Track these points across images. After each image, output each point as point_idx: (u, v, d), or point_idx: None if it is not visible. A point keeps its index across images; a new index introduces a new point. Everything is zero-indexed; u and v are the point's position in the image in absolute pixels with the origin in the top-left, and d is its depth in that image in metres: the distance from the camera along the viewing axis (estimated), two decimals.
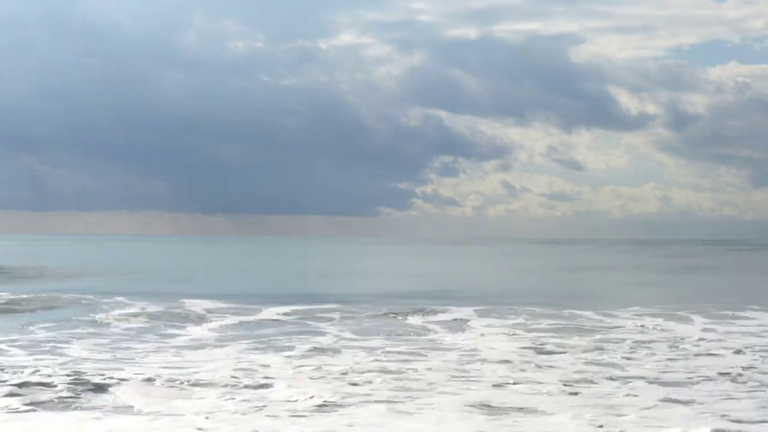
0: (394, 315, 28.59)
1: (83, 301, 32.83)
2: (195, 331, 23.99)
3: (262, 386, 15.41)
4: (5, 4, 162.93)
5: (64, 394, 14.48)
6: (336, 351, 20.04)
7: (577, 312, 29.37)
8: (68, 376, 15.84)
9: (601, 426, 12.65)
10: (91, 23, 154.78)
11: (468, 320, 27.17)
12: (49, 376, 15.84)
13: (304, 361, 18.35)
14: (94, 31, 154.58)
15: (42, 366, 17.12)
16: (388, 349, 20.34)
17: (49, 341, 21.26)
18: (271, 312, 28.99)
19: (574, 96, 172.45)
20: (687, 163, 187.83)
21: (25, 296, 34.07)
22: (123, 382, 15.48)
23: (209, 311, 29.01)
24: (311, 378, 16.32)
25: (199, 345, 21.08)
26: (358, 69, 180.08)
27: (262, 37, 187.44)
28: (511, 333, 23.88)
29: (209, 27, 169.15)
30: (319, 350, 20.11)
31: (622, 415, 13.30)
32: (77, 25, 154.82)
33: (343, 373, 16.73)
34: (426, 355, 19.45)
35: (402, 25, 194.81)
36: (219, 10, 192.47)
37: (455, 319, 27.36)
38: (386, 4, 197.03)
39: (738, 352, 20.23)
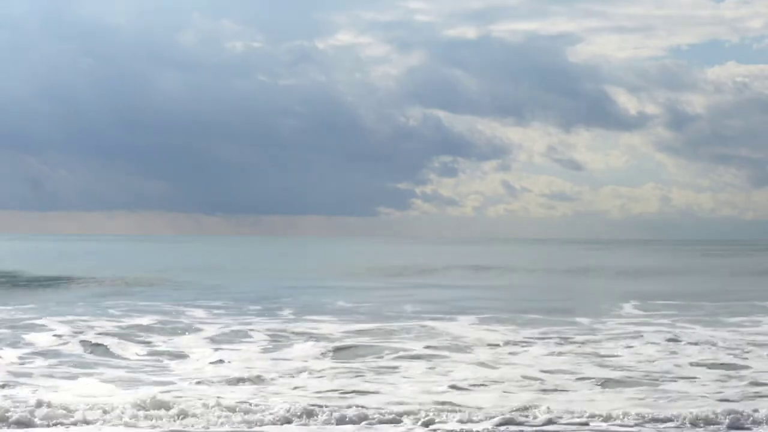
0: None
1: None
2: None
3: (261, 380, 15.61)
4: (4, 4, 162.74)
5: None
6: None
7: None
8: None
9: None
10: (89, 23, 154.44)
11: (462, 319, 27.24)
12: None
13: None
14: (93, 32, 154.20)
15: None
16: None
17: None
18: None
19: (572, 96, 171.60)
20: (686, 163, 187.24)
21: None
22: None
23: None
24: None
25: None
26: (356, 69, 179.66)
27: (261, 37, 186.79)
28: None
29: (207, 27, 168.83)
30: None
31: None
32: (75, 25, 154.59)
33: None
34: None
35: (400, 25, 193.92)
36: (217, 9, 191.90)
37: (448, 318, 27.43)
38: (384, 3, 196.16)
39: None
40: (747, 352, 20.39)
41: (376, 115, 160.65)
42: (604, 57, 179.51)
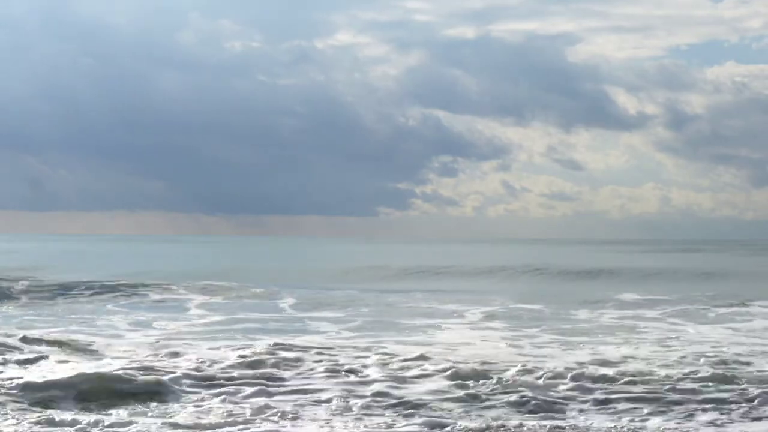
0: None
1: None
2: None
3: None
4: (4, 4, 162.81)
5: None
6: None
7: None
8: None
9: None
10: (89, 23, 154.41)
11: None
12: None
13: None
14: (93, 32, 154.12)
15: None
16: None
17: None
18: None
19: (572, 96, 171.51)
20: (686, 163, 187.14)
21: None
22: None
23: None
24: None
25: None
26: (355, 69, 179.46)
27: (260, 37, 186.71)
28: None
29: (206, 27, 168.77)
30: None
31: None
32: (75, 25, 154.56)
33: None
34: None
35: (399, 25, 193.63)
36: (216, 9, 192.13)
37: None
38: (383, 3, 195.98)
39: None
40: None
41: (375, 115, 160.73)
42: (603, 57, 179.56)
